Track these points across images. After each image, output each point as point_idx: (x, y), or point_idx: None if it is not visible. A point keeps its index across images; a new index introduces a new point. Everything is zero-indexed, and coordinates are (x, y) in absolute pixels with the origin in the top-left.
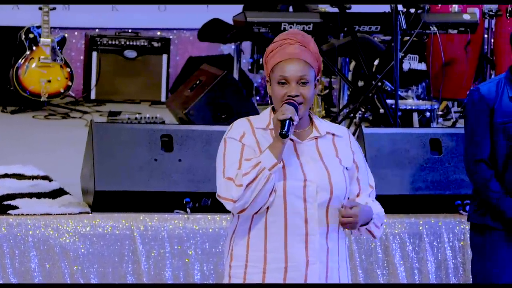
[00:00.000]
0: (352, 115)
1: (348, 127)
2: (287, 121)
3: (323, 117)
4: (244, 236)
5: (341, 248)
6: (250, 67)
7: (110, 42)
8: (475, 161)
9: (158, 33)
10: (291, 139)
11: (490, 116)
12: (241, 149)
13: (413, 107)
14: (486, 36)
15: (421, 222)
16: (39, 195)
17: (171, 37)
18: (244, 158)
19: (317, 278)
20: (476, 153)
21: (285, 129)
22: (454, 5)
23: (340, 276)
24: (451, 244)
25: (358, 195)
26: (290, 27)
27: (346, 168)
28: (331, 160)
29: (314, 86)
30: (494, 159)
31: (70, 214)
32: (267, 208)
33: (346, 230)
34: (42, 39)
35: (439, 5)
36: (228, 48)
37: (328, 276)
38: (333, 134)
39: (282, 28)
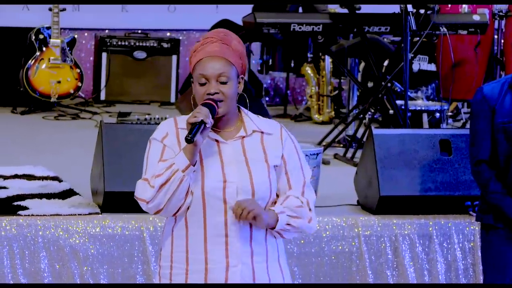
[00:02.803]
0: (361, 116)
1: (358, 128)
2: (197, 125)
3: (332, 118)
4: (169, 236)
5: (270, 248)
6: (259, 68)
7: (119, 43)
8: (476, 162)
9: (168, 34)
10: (216, 140)
11: (491, 116)
12: (162, 150)
13: (423, 108)
14: (496, 36)
15: (430, 223)
16: (49, 196)
17: (180, 38)
18: (162, 159)
19: (239, 280)
20: (477, 154)
21: (191, 134)
22: (464, 6)
23: (271, 276)
24: (461, 245)
25: (286, 193)
26: (300, 28)
27: (275, 166)
28: (256, 160)
29: (237, 84)
30: (495, 159)
31: (80, 214)
32: (188, 208)
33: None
34: (52, 40)
35: (449, 6)
36: None
37: (255, 278)
38: (262, 132)
39: (291, 29)
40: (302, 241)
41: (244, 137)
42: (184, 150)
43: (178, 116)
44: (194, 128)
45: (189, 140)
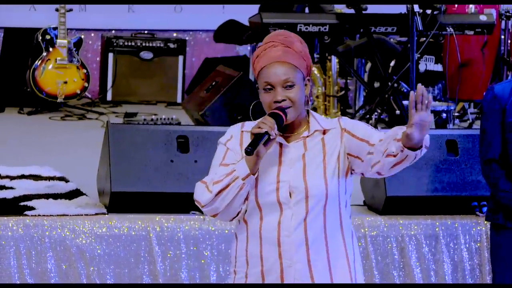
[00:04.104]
0: (368, 116)
1: None
2: (262, 136)
3: None
4: (234, 241)
5: (332, 246)
6: None
7: (126, 43)
8: (486, 160)
9: (174, 34)
10: (280, 143)
11: (502, 115)
12: (224, 153)
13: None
14: (502, 37)
15: (437, 223)
16: (55, 196)
17: (187, 38)
18: (224, 162)
19: (294, 279)
20: (487, 152)
21: (251, 146)
22: (470, 6)
23: (333, 275)
24: (467, 245)
25: (374, 145)
26: (306, 28)
27: (339, 153)
28: (313, 159)
29: (303, 87)
30: (505, 158)
31: (87, 215)
32: (245, 212)
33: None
34: (58, 41)
35: (456, 6)
36: (244, 49)
37: (314, 276)
38: (323, 131)
39: (298, 29)
40: None
41: (306, 137)
42: (246, 160)
43: (248, 122)
44: (257, 140)
45: (248, 152)
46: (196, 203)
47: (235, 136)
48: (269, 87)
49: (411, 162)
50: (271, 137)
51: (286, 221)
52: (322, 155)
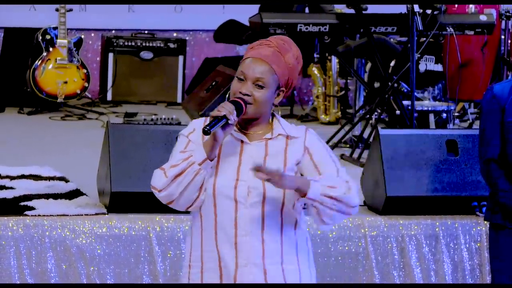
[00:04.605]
0: (368, 116)
1: (364, 129)
2: (218, 119)
3: (339, 118)
4: (189, 235)
5: (286, 251)
6: None
7: (126, 43)
8: (485, 160)
9: (174, 34)
10: (241, 140)
11: (501, 115)
12: (186, 144)
13: (430, 108)
14: (503, 37)
15: (437, 223)
16: (55, 196)
17: (187, 38)
18: (184, 151)
19: (247, 281)
20: (486, 152)
21: (208, 126)
22: (470, 6)
23: (288, 280)
24: (467, 245)
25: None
26: (306, 28)
27: (296, 162)
28: (274, 162)
29: (273, 94)
30: (504, 158)
31: (87, 215)
32: (201, 206)
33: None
34: (58, 41)
35: (456, 6)
36: (244, 49)
37: (268, 280)
38: (287, 136)
39: (298, 29)
40: None
41: (269, 139)
42: (204, 144)
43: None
44: (214, 121)
45: (206, 131)
46: (152, 190)
47: (198, 129)
48: (242, 77)
49: (328, 216)
50: (230, 122)
51: (243, 220)
52: (283, 160)
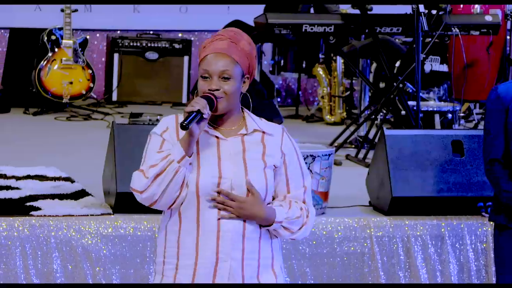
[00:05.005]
0: (373, 116)
1: (370, 129)
2: (194, 114)
3: (344, 119)
4: (163, 231)
5: (263, 247)
6: (271, 69)
7: (131, 43)
8: (489, 161)
9: (180, 34)
10: (216, 136)
11: (505, 115)
12: (161, 143)
13: (435, 109)
14: (508, 37)
15: (443, 224)
16: (61, 196)
17: (192, 38)
18: (159, 151)
19: (227, 275)
20: (490, 152)
21: (186, 121)
22: (476, 6)
23: (260, 276)
24: (473, 246)
25: (285, 196)
26: (311, 29)
27: (274, 166)
28: (253, 158)
29: (240, 83)
30: (508, 158)
31: (92, 215)
32: (182, 204)
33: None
34: (64, 41)
35: (461, 6)
36: None
37: (244, 275)
38: (263, 132)
39: (303, 30)
40: (314, 242)
41: (244, 135)
42: (180, 141)
43: (180, 114)
44: (190, 116)
45: (184, 126)
46: (133, 192)
47: (172, 128)
48: (206, 75)
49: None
50: (204, 116)
51: (226, 217)
52: (261, 156)
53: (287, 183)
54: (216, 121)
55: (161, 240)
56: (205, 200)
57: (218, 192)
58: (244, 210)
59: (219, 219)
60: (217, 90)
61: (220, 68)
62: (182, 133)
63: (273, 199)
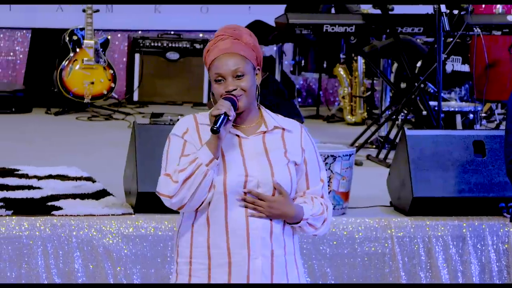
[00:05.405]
0: (394, 117)
1: (391, 129)
2: (221, 117)
3: (365, 119)
4: (187, 232)
5: (287, 242)
6: (292, 69)
7: (152, 44)
8: (511, 161)
9: (200, 34)
10: (237, 135)
11: None
12: (183, 145)
13: (456, 109)
14: None
15: (464, 224)
16: (82, 196)
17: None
18: (184, 154)
19: (260, 272)
20: (511, 153)
21: (217, 125)
22: (498, 6)
23: (288, 270)
24: (495, 247)
25: (304, 192)
26: (332, 29)
27: (295, 163)
28: (276, 155)
29: (254, 76)
30: None
31: (113, 215)
32: (209, 203)
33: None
34: (85, 41)
35: (483, 6)
36: (270, 50)
37: (274, 271)
38: (283, 129)
39: (324, 30)
40: (334, 242)
41: (265, 132)
42: (207, 144)
43: (198, 113)
44: (219, 120)
45: (215, 130)
46: (161, 197)
47: (192, 129)
48: (220, 78)
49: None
50: (230, 118)
51: (256, 215)
52: (283, 153)
53: (306, 180)
54: (235, 119)
55: (185, 240)
56: (233, 199)
57: (245, 192)
58: (274, 210)
59: (247, 216)
60: (235, 89)
61: (232, 68)
62: (203, 133)
63: None
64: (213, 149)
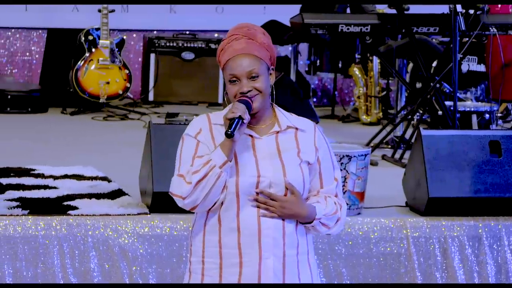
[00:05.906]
0: (410, 117)
1: (406, 129)
2: (236, 120)
3: (380, 119)
4: (200, 231)
5: (300, 242)
6: (307, 69)
7: (168, 44)
8: None
9: (216, 34)
10: (251, 135)
11: None
12: (196, 146)
13: (472, 109)
14: None
15: (480, 225)
16: (98, 196)
17: None
18: (197, 155)
19: (271, 272)
20: None
21: (231, 129)
22: None
23: (300, 270)
24: (511, 247)
25: (318, 191)
26: (348, 29)
27: (308, 163)
28: (289, 155)
29: (268, 76)
30: None
31: (129, 214)
32: (221, 204)
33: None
34: (101, 41)
35: (499, 6)
36: (285, 50)
37: (286, 271)
38: (296, 128)
39: (339, 30)
40: (350, 242)
41: (278, 132)
42: (221, 146)
43: (212, 113)
44: (234, 123)
45: (230, 135)
46: (174, 197)
47: (205, 129)
48: (234, 79)
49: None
50: (245, 121)
51: (268, 215)
52: (296, 151)
53: (320, 179)
54: (250, 120)
55: (198, 239)
56: (245, 200)
57: (257, 193)
58: (286, 210)
59: (259, 217)
60: (250, 91)
61: (246, 69)
62: (217, 133)
63: None
64: (227, 151)
